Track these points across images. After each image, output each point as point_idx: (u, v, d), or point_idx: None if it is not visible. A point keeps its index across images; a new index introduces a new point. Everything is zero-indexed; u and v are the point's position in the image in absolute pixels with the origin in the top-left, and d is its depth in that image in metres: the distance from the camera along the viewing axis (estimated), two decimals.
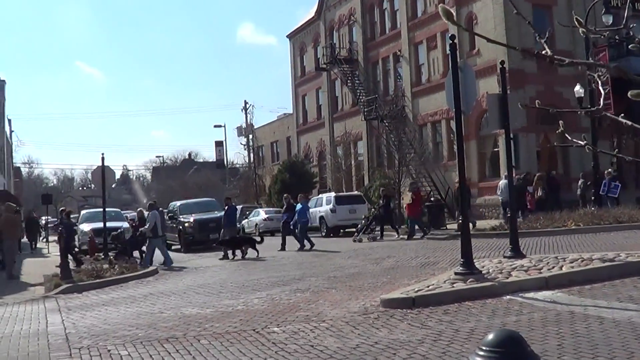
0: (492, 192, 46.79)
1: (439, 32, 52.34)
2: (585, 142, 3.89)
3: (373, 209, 39.40)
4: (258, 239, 34.25)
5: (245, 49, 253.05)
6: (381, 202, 39.24)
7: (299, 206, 35.55)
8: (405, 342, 10.91)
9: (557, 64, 3.67)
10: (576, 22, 3.63)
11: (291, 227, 35.66)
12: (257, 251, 31.72)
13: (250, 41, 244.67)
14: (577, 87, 38.86)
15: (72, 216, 38.16)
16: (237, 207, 46.56)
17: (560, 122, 4.05)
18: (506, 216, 35.56)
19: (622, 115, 3.78)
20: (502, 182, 38.16)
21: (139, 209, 41.63)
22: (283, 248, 34.43)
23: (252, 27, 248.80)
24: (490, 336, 4.20)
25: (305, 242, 34.23)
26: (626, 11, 3.92)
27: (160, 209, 36.49)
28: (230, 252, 32.23)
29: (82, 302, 20.31)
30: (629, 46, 3.84)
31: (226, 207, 36.13)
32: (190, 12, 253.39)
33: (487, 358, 4.09)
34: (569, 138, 4.18)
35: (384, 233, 37.88)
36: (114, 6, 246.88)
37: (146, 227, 31.85)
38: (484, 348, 4.15)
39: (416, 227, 35.90)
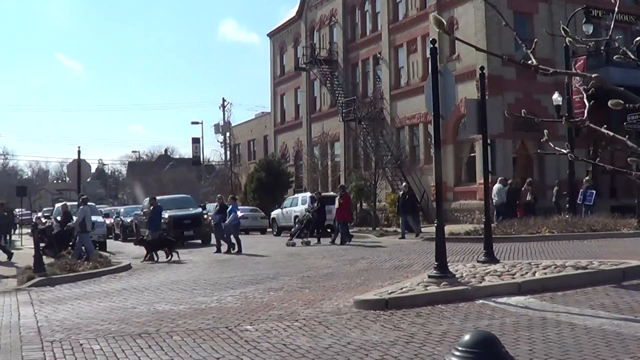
0: (468, 197, 47.03)
1: (420, 35, 52.45)
2: (568, 150, 3.94)
3: (307, 213, 38.64)
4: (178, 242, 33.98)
5: (227, 46, 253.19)
6: (315, 205, 38.77)
7: (229, 208, 34.79)
8: (377, 344, 10.94)
9: (542, 74, 3.72)
10: (562, 32, 3.68)
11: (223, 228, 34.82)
12: (177, 253, 30.59)
13: (231, 38, 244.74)
14: (556, 95, 39.06)
15: (45, 209, 37.91)
16: (210, 205, 46.46)
17: (545, 131, 4.10)
18: (499, 219, 35.89)
19: (605, 126, 3.82)
20: (496, 187, 38.50)
21: (63, 203, 41.07)
22: (218, 250, 34.13)
23: (235, 24, 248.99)
24: (466, 337, 4.25)
25: (235, 243, 33.79)
26: (612, 22, 3.96)
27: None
28: (161, 254, 31.22)
29: (55, 295, 20.22)
30: (614, 57, 3.91)
31: (151, 207, 35.66)
32: (172, 7, 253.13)
33: (463, 358, 4.14)
34: (552, 146, 4.23)
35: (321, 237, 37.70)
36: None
37: (73, 222, 31.73)
38: (459, 348, 4.19)
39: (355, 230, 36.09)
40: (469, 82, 43.72)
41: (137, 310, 16.04)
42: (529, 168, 47.34)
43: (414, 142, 54.86)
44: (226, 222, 34.05)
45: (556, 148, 4.18)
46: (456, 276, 16.11)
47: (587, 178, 37.78)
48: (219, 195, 39.87)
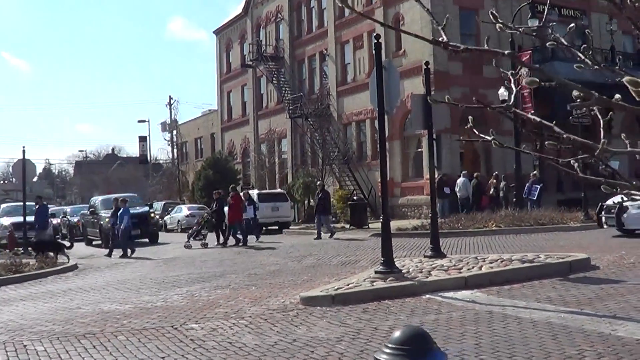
0: (415, 192, 47.14)
1: (366, 31, 52.47)
2: (492, 137, 3.87)
3: (205, 214, 37.96)
4: (67, 244, 33.23)
5: (175, 43, 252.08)
6: (214, 206, 37.47)
7: (120, 211, 33.72)
8: (323, 340, 10.87)
9: (453, 51, 3.66)
10: (491, 16, 3.62)
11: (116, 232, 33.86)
12: (68, 257, 29.24)
13: (180, 36, 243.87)
14: (502, 90, 39.26)
15: None
16: (157, 203, 46.10)
17: (470, 117, 4.03)
18: (466, 211, 36.16)
19: (532, 112, 3.76)
20: (460, 180, 38.81)
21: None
22: (110, 254, 32.88)
23: (183, 22, 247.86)
24: (397, 334, 4.19)
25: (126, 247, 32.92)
26: (546, 10, 3.92)
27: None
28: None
29: (0, 296, 19.95)
30: (547, 44, 3.87)
31: (36, 207, 34.78)
32: (121, 5, 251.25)
33: (394, 356, 4.08)
34: (476, 132, 4.17)
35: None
36: None
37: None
38: (390, 346, 4.14)
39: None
40: (416, 77, 43.85)
41: (82, 310, 15.84)
42: (476, 162, 47.61)
43: (361, 138, 54.93)
44: (119, 226, 33.10)
45: (480, 135, 4.12)
46: (403, 271, 16.10)
47: (534, 172, 38.08)
48: (114, 197, 39.27)
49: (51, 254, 28.92)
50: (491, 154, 47.08)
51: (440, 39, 3.62)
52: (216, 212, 36.56)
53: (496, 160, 46.63)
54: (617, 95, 3.55)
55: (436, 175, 26.61)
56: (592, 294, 13.44)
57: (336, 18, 56.56)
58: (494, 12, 3.69)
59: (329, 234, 35.25)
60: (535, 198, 36.94)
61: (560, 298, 13.20)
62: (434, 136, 20.51)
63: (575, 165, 3.75)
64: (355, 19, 54.13)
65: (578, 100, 3.60)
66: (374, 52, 17.18)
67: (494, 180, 40.85)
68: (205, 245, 34.74)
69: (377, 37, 16.50)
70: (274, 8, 66.96)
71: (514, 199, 38.05)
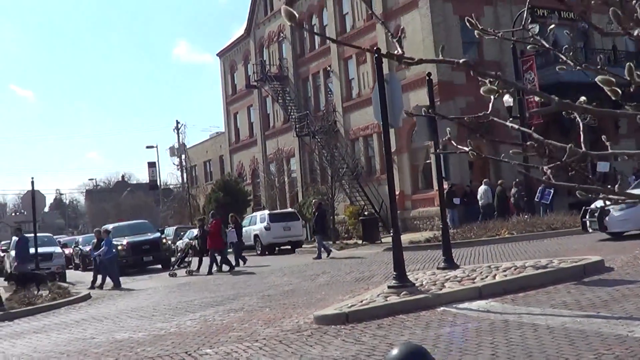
0: (426, 204, 47.00)
1: (368, 46, 52.33)
2: (470, 148, 3.80)
3: (190, 241, 37.40)
4: (62, 273, 33.18)
5: (180, 67, 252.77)
6: (197, 232, 36.96)
7: (103, 241, 32.92)
8: (338, 359, 10.77)
9: (407, 63, 3.59)
10: (467, 23, 3.55)
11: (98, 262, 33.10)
12: (49, 289, 28.63)
13: (185, 60, 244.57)
14: (506, 97, 39.11)
15: (3, 242, 37.25)
16: (169, 228, 46.01)
17: (448, 129, 3.99)
18: (485, 219, 36.05)
19: (510, 120, 3.67)
20: (482, 188, 38.81)
21: None
22: (99, 286, 32.03)
23: (187, 45, 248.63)
24: (394, 351, 4.10)
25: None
26: (525, 12, 3.85)
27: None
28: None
29: (13, 330, 19.92)
30: (528, 47, 3.80)
31: (17, 239, 34.34)
32: (125, 32, 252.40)
33: None
34: (454, 144, 4.11)
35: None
36: (49, 28, 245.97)
37: None
38: None
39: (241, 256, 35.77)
40: (420, 89, 43.74)
41: (95, 340, 15.77)
42: (486, 171, 47.45)
43: (369, 152, 54.87)
44: (102, 256, 32.33)
45: (458, 147, 4.05)
46: (416, 285, 16.00)
47: (545, 177, 37.93)
48: (96, 229, 39.03)
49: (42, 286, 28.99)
50: (500, 162, 46.91)
51: (395, 51, 3.54)
52: (200, 238, 35.95)
53: (505, 167, 46.44)
54: (582, 98, 3.47)
55: (445, 185, 26.56)
56: (607, 296, 13.32)
57: (338, 34, 56.55)
58: (469, 18, 3.60)
59: (325, 253, 34.77)
60: (548, 202, 36.84)
61: (575, 302, 13.08)
62: (440, 147, 20.42)
63: (548, 172, 3.68)
64: (357, 34, 54.19)
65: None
66: (375, 65, 17.12)
67: (516, 188, 40.75)
68: (190, 273, 34.22)
69: (378, 51, 16.44)
70: (275, 28, 67.05)
71: (523, 205, 37.93)
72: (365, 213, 45.72)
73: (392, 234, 16.91)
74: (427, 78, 20.82)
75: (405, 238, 20.70)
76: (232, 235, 36.22)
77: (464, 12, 45.60)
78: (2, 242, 73.06)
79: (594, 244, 23.60)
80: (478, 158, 3.69)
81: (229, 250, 36.03)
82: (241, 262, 35.54)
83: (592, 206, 24.93)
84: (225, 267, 33.89)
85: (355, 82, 55.64)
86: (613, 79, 3.12)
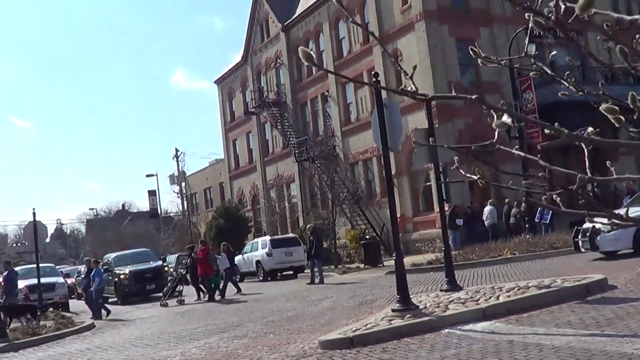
0: (427, 227, 47.03)
1: (365, 70, 52.59)
2: (478, 176, 3.83)
3: (180, 269, 36.92)
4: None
5: (179, 95, 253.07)
6: (188, 261, 36.42)
7: (92, 272, 32.78)
8: None
9: (419, 99, 3.64)
10: (471, 52, 3.59)
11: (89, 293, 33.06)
12: (37, 320, 28.54)
13: (184, 88, 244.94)
14: (505, 117, 39.17)
15: (5, 273, 37.06)
16: (171, 256, 46.02)
17: (456, 158, 4.01)
18: (494, 238, 36.07)
19: (517, 147, 3.72)
20: (487, 209, 38.90)
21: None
22: (94, 315, 31.58)
23: (186, 74, 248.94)
24: None
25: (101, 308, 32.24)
26: (526, 41, 3.89)
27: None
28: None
29: None
30: (530, 74, 3.84)
31: (6, 272, 34.14)
32: (122, 61, 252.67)
33: None
34: (463, 173, 4.12)
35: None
36: (47, 58, 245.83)
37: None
38: None
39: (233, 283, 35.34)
40: (419, 112, 43.87)
41: None
42: (487, 191, 47.47)
43: (369, 176, 54.95)
44: (91, 287, 32.35)
45: (466, 175, 4.06)
46: (420, 307, 16.00)
47: (545, 196, 38.00)
48: (86, 259, 38.89)
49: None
50: (500, 182, 46.97)
51: (409, 88, 3.60)
52: (191, 267, 35.55)
53: (504, 185, 46.49)
54: (590, 129, 3.53)
55: (446, 208, 26.60)
56: (611, 314, 13.32)
57: (335, 59, 56.75)
58: (475, 46, 3.66)
59: (318, 280, 34.54)
60: (548, 222, 36.88)
61: (580, 321, 13.09)
62: (441, 169, 20.48)
63: (558, 199, 3.72)
64: (354, 58, 54.42)
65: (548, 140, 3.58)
66: (374, 90, 17.17)
67: (518, 208, 40.85)
68: (182, 302, 33.81)
69: (376, 75, 16.53)
70: (272, 54, 67.26)
71: (527, 225, 37.94)
72: (367, 237, 45.75)
73: (394, 257, 16.93)
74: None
75: (407, 261, 20.72)
76: (224, 262, 36.05)
77: (460, 34, 45.87)
78: (4, 273, 73.18)
79: (596, 262, 23.62)
80: (485, 185, 3.72)
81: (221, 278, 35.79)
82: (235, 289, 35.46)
83: (584, 226, 25.02)
84: (217, 296, 33.74)
85: (354, 106, 55.80)
86: (617, 108, 3.17)
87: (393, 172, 18.20)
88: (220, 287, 34.40)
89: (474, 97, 3.47)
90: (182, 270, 36.67)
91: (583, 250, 25.62)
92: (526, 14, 3.13)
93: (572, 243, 26.59)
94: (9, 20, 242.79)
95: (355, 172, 55.94)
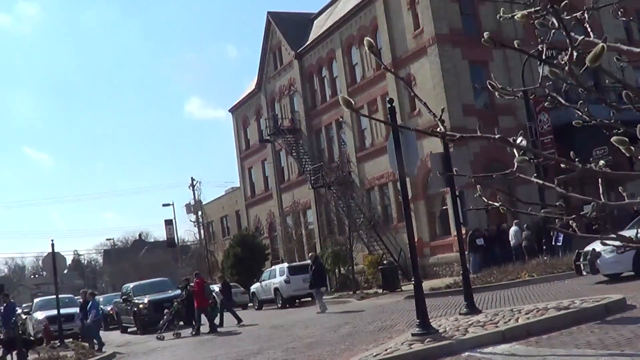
0: (445, 250, 47.02)
1: (379, 95, 52.78)
2: (500, 203, 3.95)
3: (176, 303, 35.98)
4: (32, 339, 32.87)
5: (193, 124, 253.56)
6: (183, 294, 35.95)
7: (89, 304, 32.53)
8: None
9: (449, 140, 3.75)
10: (489, 86, 3.71)
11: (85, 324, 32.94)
12: (27, 354, 28.62)
13: (198, 116, 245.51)
14: (520, 139, 39.27)
15: (24, 305, 37.24)
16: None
17: (478, 186, 4.15)
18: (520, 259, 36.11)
19: (535, 175, 3.83)
20: (513, 229, 39.05)
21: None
22: (92, 347, 31.45)
23: (200, 102, 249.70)
24: None
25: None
26: (541, 70, 4.00)
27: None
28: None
29: None
30: (545, 104, 3.94)
31: (4, 305, 33.97)
32: (136, 91, 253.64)
33: None
34: (485, 200, 4.23)
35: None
36: (62, 88, 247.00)
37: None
38: None
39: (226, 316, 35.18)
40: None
41: None
42: (503, 215, 47.45)
43: (385, 201, 54.98)
44: (87, 320, 32.13)
45: (489, 202, 4.17)
46: (439, 331, 16.03)
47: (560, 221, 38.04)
48: (82, 291, 38.68)
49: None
50: (517, 205, 46.97)
51: (438, 129, 3.72)
52: (186, 300, 35.09)
53: (522, 209, 46.47)
54: (601, 162, 3.63)
55: (463, 231, 26.64)
56: (630, 334, 13.33)
57: (349, 85, 56.98)
58: (490, 81, 3.77)
59: (320, 309, 34.09)
60: (561, 244, 36.86)
61: (599, 342, 13.10)
62: (457, 193, 20.54)
63: (574, 225, 3.82)
64: (367, 84, 54.60)
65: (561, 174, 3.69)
66: (389, 115, 17.25)
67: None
68: (178, 335, 33.39)
69: (390, 101, 16.64)
70: (286, 81, 67.52)
71: (544, 247, 37.95)
72: (384, 262, 45.71)
73: (412, 282, 16.98)
74: (440, 124, 20.96)
75: (426, 285, 20.73)
76: (218, 294, 35.88)
77: (473, 57, 45.98)
78: (24, 305, 73.53)
79: (616, 282, 23.60)
80: (507, 212, 3.84)
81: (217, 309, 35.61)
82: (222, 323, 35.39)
83: (585, 249, 25.01)
84: (203, 328, 33.44)
85: (368, 131, 55.93)
86: (626, 139, 3.27)
87: (409, 197, 18.28)
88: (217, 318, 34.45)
89: (496, 137, 3.58)
90: (176, 304, 35.77)
91: (585, 273, 25.54)
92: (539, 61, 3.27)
93: (574, 266, 26.55)
94: (24, 51, 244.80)
95: (372, 198, 55.98)
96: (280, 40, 68.22)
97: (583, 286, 24.35)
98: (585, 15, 3.62)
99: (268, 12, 70.53)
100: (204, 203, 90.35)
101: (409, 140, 17.34)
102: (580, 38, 3.37)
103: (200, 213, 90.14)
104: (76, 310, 40.91)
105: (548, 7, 3.26)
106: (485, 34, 3.50)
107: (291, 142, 63.52)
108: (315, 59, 62.55)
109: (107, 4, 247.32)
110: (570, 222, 3.71)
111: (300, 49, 64.24)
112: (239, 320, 34.75)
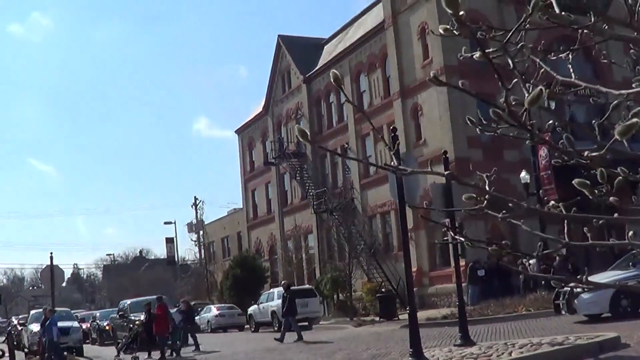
0: (444, 281, 46.93)
1: (385, 123, 52.84)
2: (505, 241, 3.99)
3: (135, 326, 35.31)
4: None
5: (201, 143, 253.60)
6: (144, 318, 34.96)
7: (48, 321, 31.75)
8: None
9: (399, 174, 3.83)
10: (468, 121, 3.77)
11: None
12: None
13: (205, 135, 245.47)
14: (523, 174, 39.43)
15: (21, 316, 37.29)
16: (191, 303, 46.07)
17: (445, 221, 4.23)
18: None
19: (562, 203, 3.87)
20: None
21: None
22: None
23: (208, 122, 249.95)
24: None
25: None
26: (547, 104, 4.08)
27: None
28: None
29: None
30: (580, 148, 4.00)
31: None
32: (147, 108, 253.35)
33: None
34: (451, 234, 4.28)
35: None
36: (70, 102, 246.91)
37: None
38: None
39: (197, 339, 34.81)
40: (437, 166, 43.84)
41: None
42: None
43: (387, 229, 55.01)
44: (50, 336, 31.42)
45: (489, 249, 4.20)
46: None
47: (560, 252, 38.04)
48: (43, 307, 38.25)
49: None
50: (518, 236, 46.93)
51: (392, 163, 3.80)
52: (147, 323, 34.04)
53: (523, 241, 46.45)
54: (552, 203, 3.70)
55: (462, 262, 26.67)
56: None
57: (355, 112, 57.05)
58: (469, 117, 3.85)
59: (280, 338, 33.61)
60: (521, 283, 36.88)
61: None
62: (457, 224, 20.60)
63: (528, 265, 3.90)
64: (374, 112, 54.69)
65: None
66: (391, 145, 17.33)
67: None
68: (136, 359, 32.12)
69: (394, 130, 16.76)
70: (293, 105, 67.71)
71: (543, 282, 37.92)
72: (383, 290, 45.68)
73: (408, 311, 17.04)
74: (444, 156, 21.07)
75: (423, 315, 20.82)
76: (177, 317, 35.44)
77: (481, 89, 45.77)
78: (20, 316, 73.43)
79: (613, 321, 23.59)
80: (509, 254, 3.88)
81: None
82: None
83: (565, 288, 24.96)
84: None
85: (372, 159, 55.90)
86: (587, 182, 3.33)
87: (410, 226, 18.36)
88: (178, 343, 34.11)
89: (514, 201, 3.62)
90: (137, 327, 34.96)
91: (563, 312, 25.42)
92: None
93: (553, 305, 26.46)
94: (31, 64, 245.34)
95: (373, 225, 56.00)
96: (290, 64, 68.53)
97: (564, 325, 24.21)
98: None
99: (279, 35, 70.76)
100: (205, 223, 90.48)
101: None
102: (514, 81, 3.45)
103: (201, 232, 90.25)
104: (73, 323, 41.00)
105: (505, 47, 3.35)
106: (432, 73, 3.57)
107: (296, 166, 63.70)
108: (323, 84, 62.74)
109: (121, 20, 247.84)
110: (524, 261, 3.78)
111: (309, 74, 64.51)
112: (198, 347, 34.47)
